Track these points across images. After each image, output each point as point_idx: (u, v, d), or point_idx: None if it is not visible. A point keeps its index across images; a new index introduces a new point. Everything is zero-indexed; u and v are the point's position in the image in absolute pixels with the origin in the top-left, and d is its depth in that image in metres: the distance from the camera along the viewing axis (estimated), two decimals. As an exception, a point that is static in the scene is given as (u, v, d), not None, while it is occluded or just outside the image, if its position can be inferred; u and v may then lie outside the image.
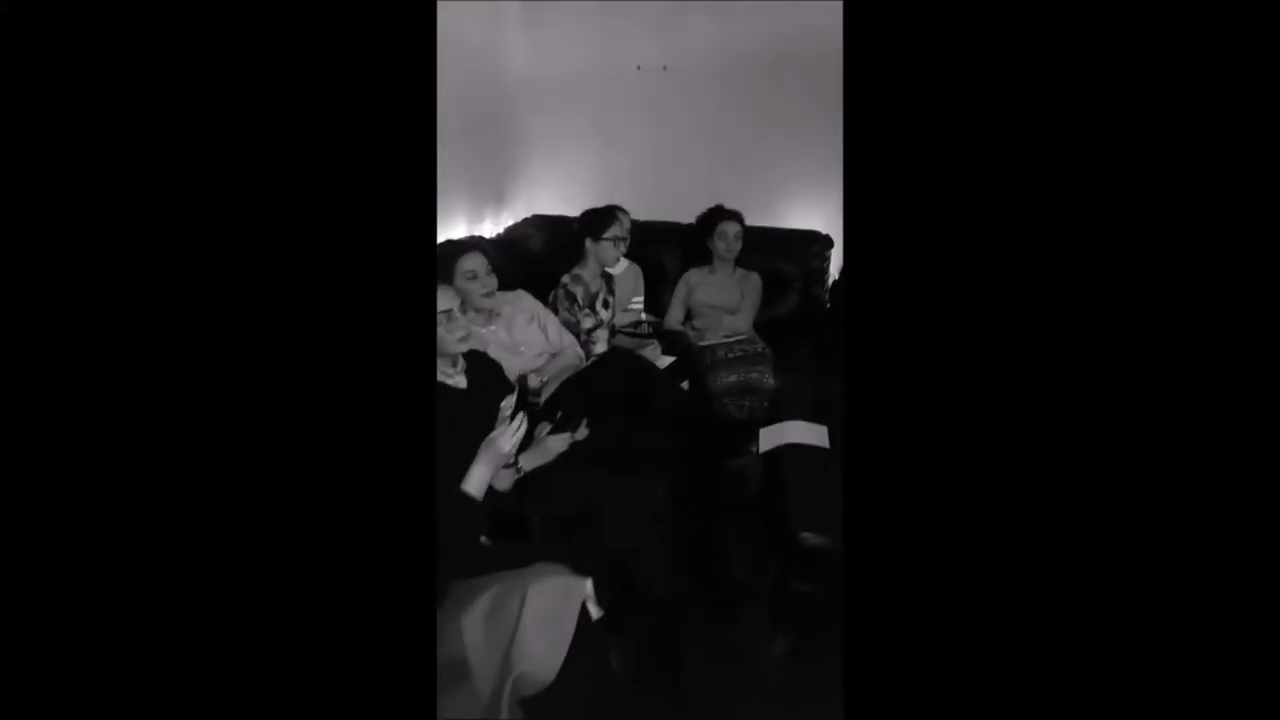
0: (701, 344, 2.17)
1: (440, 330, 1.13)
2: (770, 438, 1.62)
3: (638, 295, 2.40)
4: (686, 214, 2.47)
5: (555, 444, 1.29)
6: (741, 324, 2.27)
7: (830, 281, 2.44)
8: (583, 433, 1.34)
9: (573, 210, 2.22)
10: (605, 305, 2.05)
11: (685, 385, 1.95)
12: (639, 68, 2.66)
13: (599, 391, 1.58)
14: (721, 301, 2.31)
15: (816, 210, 2.66)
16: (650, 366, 1.77)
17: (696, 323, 2.33)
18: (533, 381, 1.57)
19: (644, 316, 2.35)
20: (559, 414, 1.40)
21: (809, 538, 1.24)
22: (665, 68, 2.64)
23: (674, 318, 2.36)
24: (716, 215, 2.30)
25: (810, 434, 1.58)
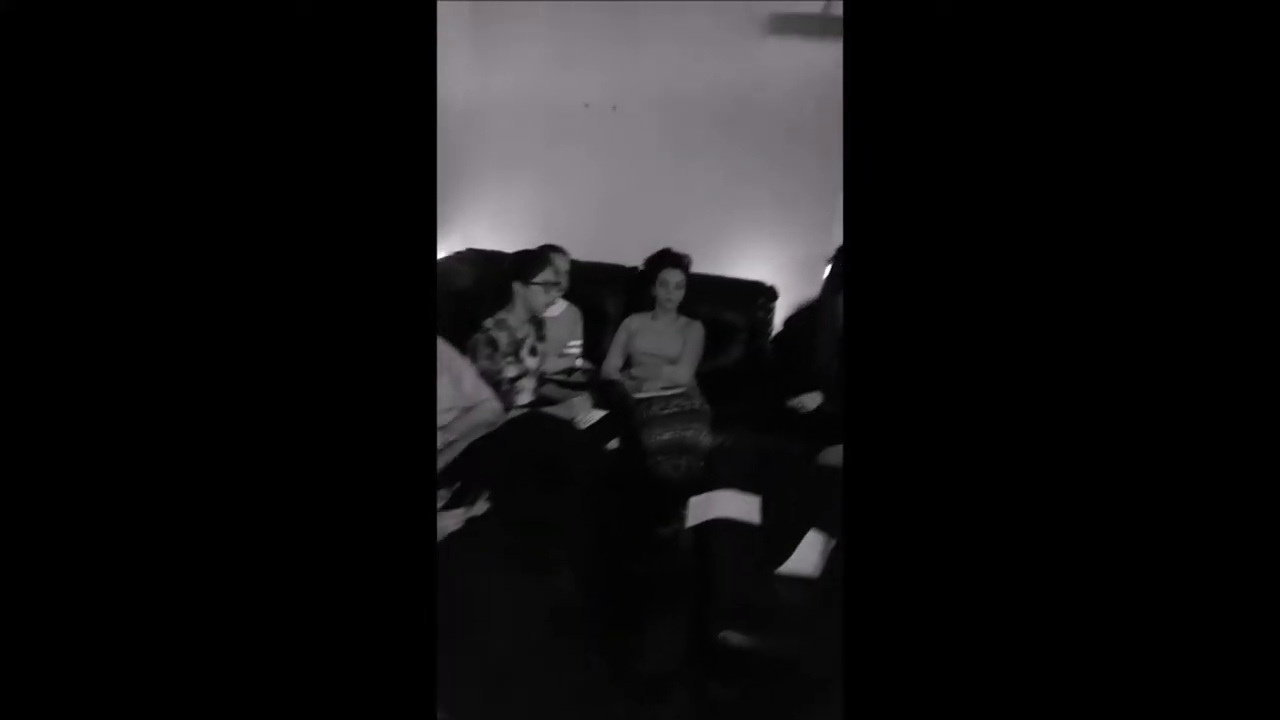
0: (637, 396, 2.04)
1: None
2: (699, 510, 1.48)
3: (575, 339, 2.26)
4: (632, 257, 2.37)
5: (447, 522, 1.12)
6: (682, 375, 2.15)
7: (774, 334, 2.36)
8: (481, 508, 1.18)
9: (511, 246, 2.09)
10: (533, 353, 1.90)
11: (615, 444, 1.81)
12: (587, 105, 2.58)
13: (512, 452, 1.42)
14: (662, 350, 2.20)
15: (764, 261, 2.60)
16: (571, 429, 1.62)
17: (635, 371, 2.21)
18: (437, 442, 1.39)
19: (579, 363, 2.21)
20: (457, 484, 1.23)
21: (731, 637, 1.10)
22: (614, 107, 2.57)
23: (612, 365, 2.23)
24: (663, 259, 2.20)
25: (741, 507, 1.45)
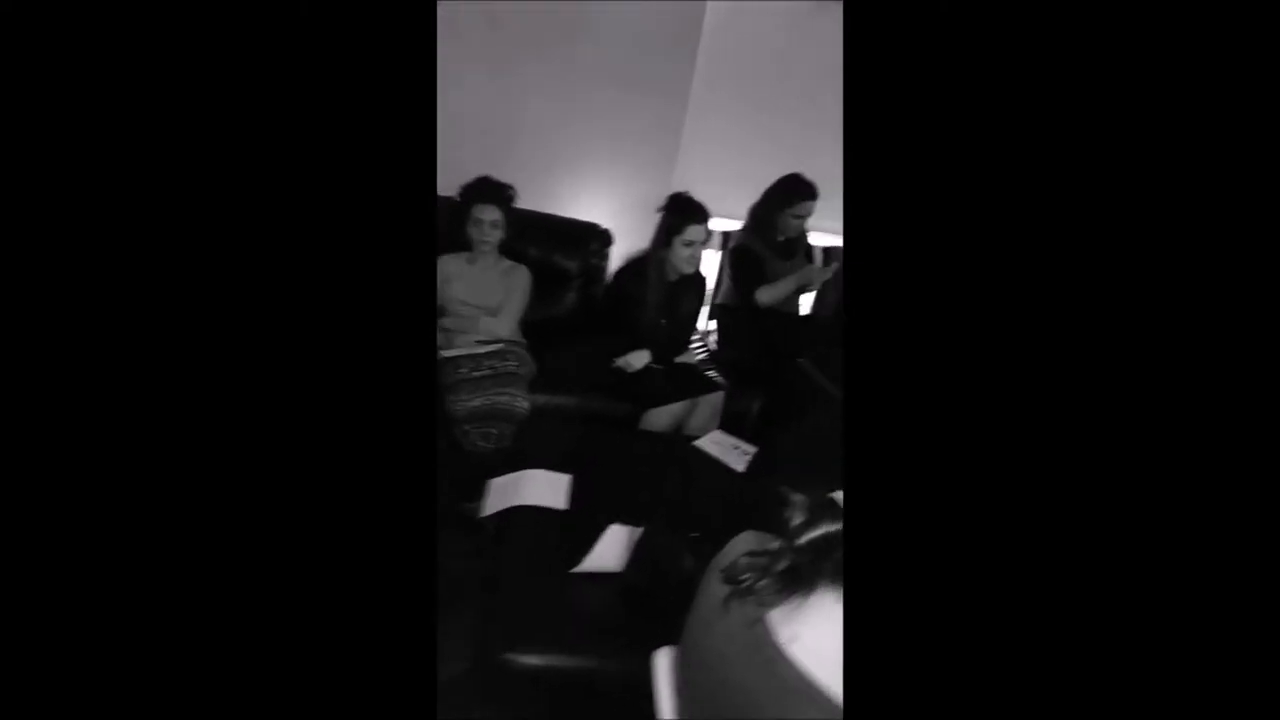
0: (444, 355, 1.77)
1: None
2: (500, 495, 1.30)
3: (374, 283, 1.90)
4: (445, 185, 2.01)
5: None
6: (502, 328, 1.91)
7: (604, 285, 2.19)
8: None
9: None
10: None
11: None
12: (386, -12, 2.08)
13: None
14: (480, 299, 1.92)
15: (597, 200, 2.38)
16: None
17: (448, 322, 1.92)
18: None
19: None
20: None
21: (515, 660, 0.96)
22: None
23: (420, 315, 1.92)
24: (480, 191, 1.88)
25: (548, 490, 1.29)
